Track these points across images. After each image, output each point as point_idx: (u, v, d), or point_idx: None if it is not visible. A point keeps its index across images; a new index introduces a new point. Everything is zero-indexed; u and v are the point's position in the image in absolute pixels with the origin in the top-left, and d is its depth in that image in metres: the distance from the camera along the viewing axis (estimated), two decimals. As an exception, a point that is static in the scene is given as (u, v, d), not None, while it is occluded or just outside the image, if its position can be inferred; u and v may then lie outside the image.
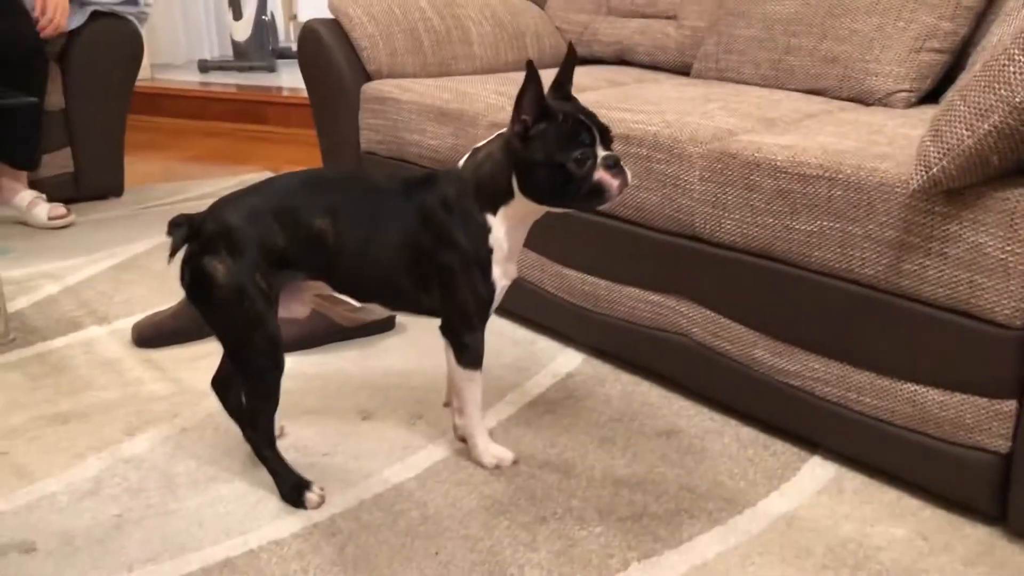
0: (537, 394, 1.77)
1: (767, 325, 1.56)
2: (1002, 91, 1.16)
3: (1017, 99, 1.14)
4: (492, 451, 1.51)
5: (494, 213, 1.38)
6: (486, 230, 1.38)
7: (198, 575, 1.25)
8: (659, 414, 1.69)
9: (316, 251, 1.37)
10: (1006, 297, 1.23)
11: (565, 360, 1.92)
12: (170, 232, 1.32)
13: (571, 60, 1.41)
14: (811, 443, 1.57)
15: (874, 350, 1.42)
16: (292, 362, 1.89)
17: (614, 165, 1.32)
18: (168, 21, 6.07)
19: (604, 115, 1.79)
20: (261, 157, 4.04)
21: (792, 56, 2.09)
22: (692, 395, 1.75)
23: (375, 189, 1.42)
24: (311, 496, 1.40)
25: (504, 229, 1.39)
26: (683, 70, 2.51)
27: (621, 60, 2.72)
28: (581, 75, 2.45)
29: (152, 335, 1.98)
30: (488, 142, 1.42)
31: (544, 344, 2.00)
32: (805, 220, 1.45)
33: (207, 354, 1.93)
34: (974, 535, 1.34)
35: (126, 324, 2.08)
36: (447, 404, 1.63)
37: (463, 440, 1.56)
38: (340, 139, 2.51)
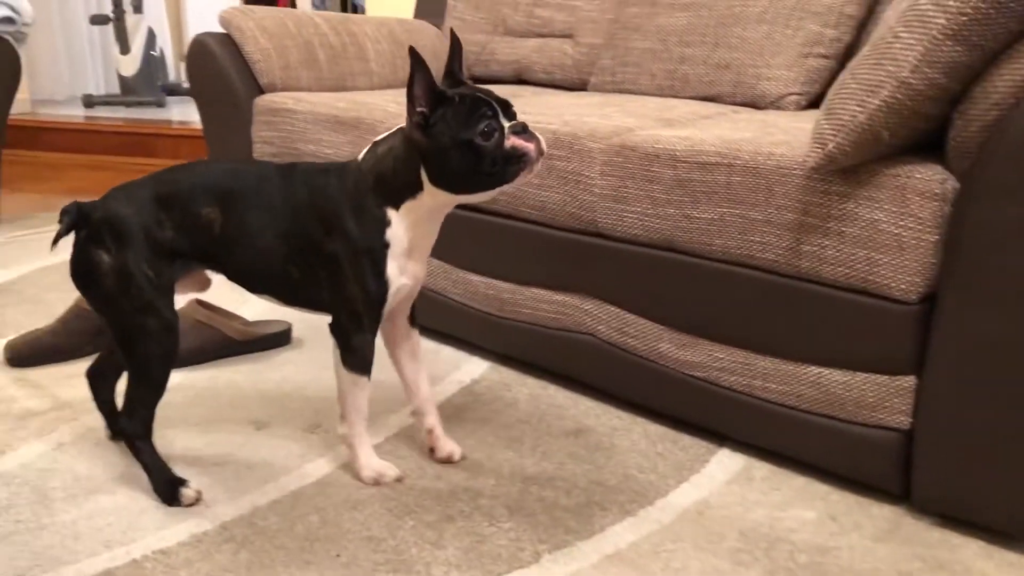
0: (442, 400, 1.71)
1: (671, 318, 1.55)
2: (889, 67, 1.19)
3: (903, 74, 1.17)
4: (373, 465, 1.41)
5: (396, 208, 1.31)
6: (383, 224, 1.31)
7: (74, 589, 1.14)
8: (567, 415, 1.66)
9: (204, 240, 1.32)
10: (901, 272, 1.25)
11: (470, 367, 1.87)
12: (60, 220, 1.29)
13: (456, 47, 1.35)
14: (719, 435, 1.56)
15: (777, 335, 1.42)
16: (181, 376, 1.79)
17: (524, 130, 1.27)
18: (50, 55, 5.84)
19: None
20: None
21: (686, 65, 2.13)
22: (599, 395, 1.72)
23: (266, 178, 1.36)
24: (187, 492, 1.34)
25: (406, 224, 1.32)
26: (581, 87, 2.53)
27: (519, 80, 2.73)
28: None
29: (28, 353, 1.85)
30: (388, 136, 1.35)
31: (448, 352, 1.95)
32: (705, 208, 1.46)
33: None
34: (881, 514, 1.34)
35: (-2, 345, 1.94)
36: (413, 414, 1.52)
37: (431, 452, 1.50)
38: (232, 153, 2.42)
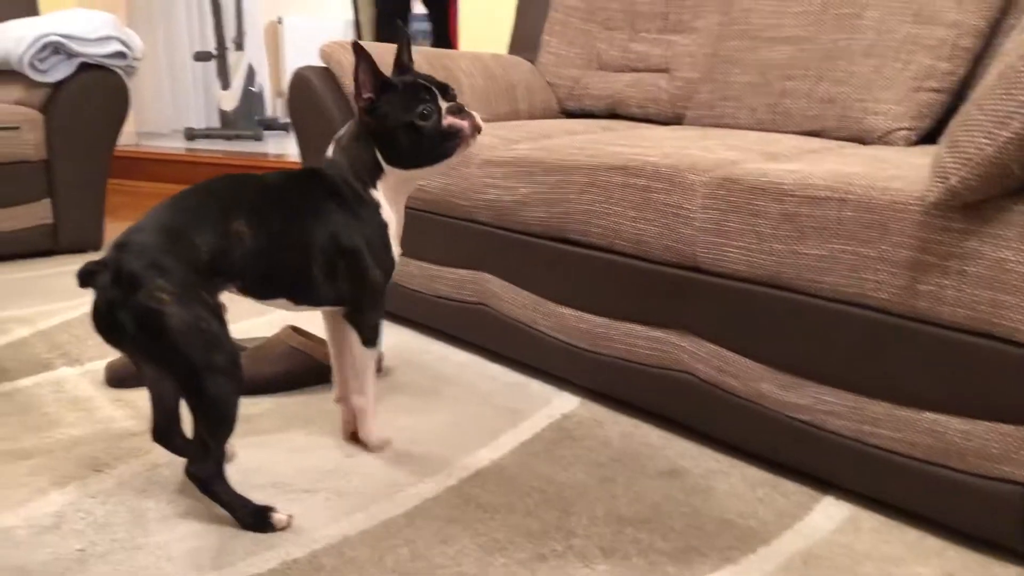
0: (532, 435, 1.68)
1: (774, 357, 1.49)
2: (1021, 97, 1.12)
3: (1037, 104, 1.11)
4: (380, 435, 1.60)
5: (376, 188, 1.48)
6: (378, 206, 1.48)
7: (165, 611, 1.14)
8: (661, 455, 1.61)
9: (235, 255, 1.34)
10: (1031, 314, 1.17)
11: (561, 402, 1.84)
12: (86, 283, 1.24)
13: (404, 37, 1.53)
14: (824, 482, 1.48)
15: (890, 379, 1.35)
16: (273, 402, 1.80)
17: (459, 111, 1.45)
18: (156, 90, 6.09)
19: (600, 150, 1.79)
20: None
21: (789, 99, 2.07)
22: (695, 435, 1.66)
23: (272, 187, 1.44)
24: (279, 517, 1.32)
25: (386, 202, 1.49)
26: (676, 122, 2.50)
27: (613, 114, 2.71)
28: (574, 123, 2.44)
29: (125, 375, 1.88)
30: (346, 128, 1.52)
31: (538, 387, 1.92)
32: (814, 244, 1.40)
33: (183, 393, 1.84)
34: (1005, 574, 1.25)
35: (98, 366, 1.98)
36: (339, 400, 1.65)
37: (354, 437, 1.62)
38: (328, 185, 2.46)
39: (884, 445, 1.37)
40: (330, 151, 1.51)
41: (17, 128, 2.89)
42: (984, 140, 1.15)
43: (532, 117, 2.75)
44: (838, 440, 1.42)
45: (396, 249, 1.52)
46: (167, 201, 1.35)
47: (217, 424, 1.28)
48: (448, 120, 1.43)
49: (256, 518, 1.32)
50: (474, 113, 1.46)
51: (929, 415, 1.30)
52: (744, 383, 1.54)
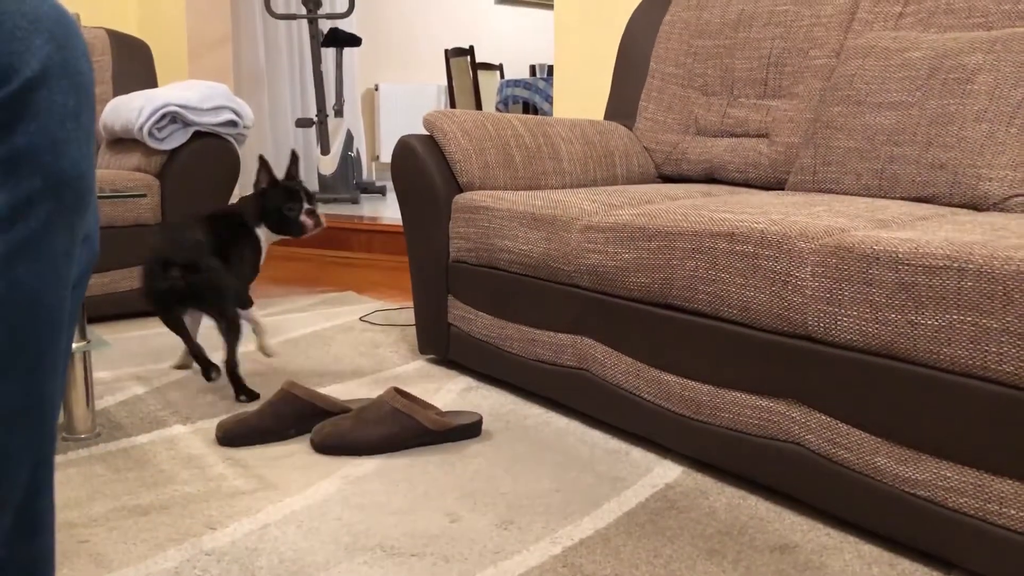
0: (636, 504, 1.66)
1: (891, 430, 1.45)
2: None
3: None
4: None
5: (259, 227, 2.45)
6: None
7: (280, 672, 1.15)
8: (770, 528, 1.57)
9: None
10: None
11: (663, 471, 1.81)
12: (164, 277, 2.21)
13: (294, 159, 2.57)
14: (945, 561, 1.42)
15: (1017, 455, 1.29)
16: (379, 463, 1.83)
17: (313, 213, 2.46)
18: (257, 155, 6.34)
19: (704, 216, 1.79)
20: (341, 280, 4.09)
21: (896, 165, 2.04)
22: (806, 509, 1.62)
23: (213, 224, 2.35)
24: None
25: (263, 236, 2.46)
26: (776, 186, 2.48)
27: (711, 179, 2.71)
28: (673, 188, 2.45)
29: (236, 433, 1.94)
30: (251, 195, 2.48)
31: (639, 454, 1.90)
32: (932, 315, 1.36)
33: (290, 453, 1.89)
34: None
35: (210, 424, 2.05)
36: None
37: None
38: (430, 248, 2.52)
39: (1012, 525, 1.30)
40: (238, 200, 2.54)
41: (144, 196, 3.04)
42: (1117, 210, 1.12)
43: (630, 182, 2.77)
44: (961, 518, 1.36)
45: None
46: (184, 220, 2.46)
47: (234, 333, 2.25)
48: (303, 218, 2.45)
49: (245, 392, 2.26)
50: (322, 217, 2.50)
51: (1061, 495, 1.24)
52: (858, 456, 1.50)
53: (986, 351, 1.30)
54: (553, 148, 2.65)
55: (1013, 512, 1.30)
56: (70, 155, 0.68)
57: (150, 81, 3.86)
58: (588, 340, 2.04)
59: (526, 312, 2.22)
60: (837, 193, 2.17)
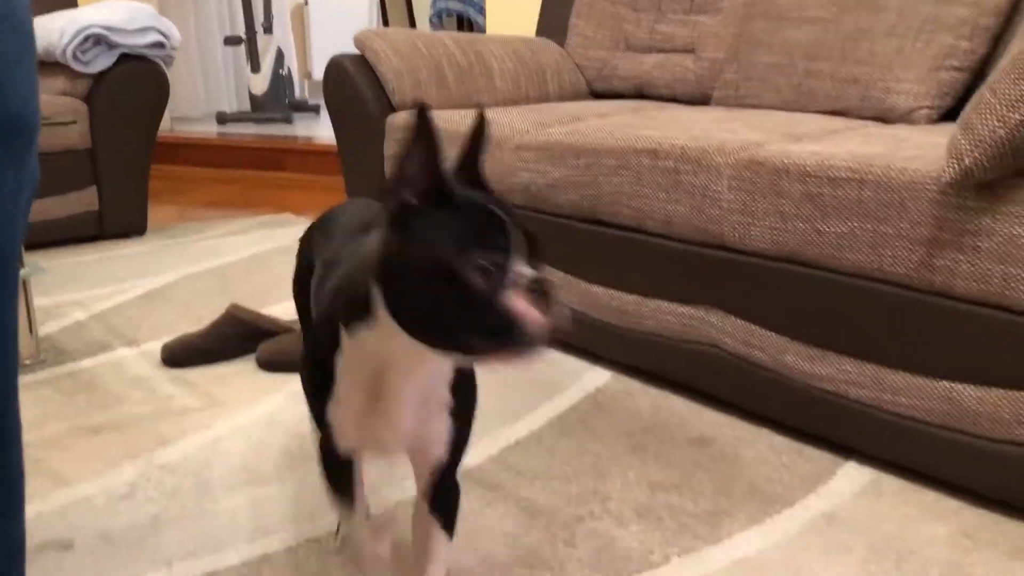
0: (568, 407, 1.77)
1: (798, 330, 1.57)
2: (1031, 82, 1.18)
3: (1046, 89, 1.17)
4: None
5: (347, 328, 0.89)
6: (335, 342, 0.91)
7: (237, 569, 1.24)
8: (690, 424, 1.69)
9: None
10: (1041, 287, 1.24)
11: (594, 376, 1.92)
12: None
13: (479, 132, 0.88)
14: (846, 448, 1.56)
15: (908, 349, 1.42)
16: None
17: (542, 292, 0.77)
18: (188, 76, 6.20)
19: (629, 133, 1.86)
20: (276, 201, 4.09)
21: (813, 80, 2.13)
22: (723, 405, 1.75)
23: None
24: None
25: (357, 361, 0.90)
26: (703, 102, 2.56)
27: (640, 94, 2.77)
28: (603, 105, 2.51)
29: (181, 355, 1.99)
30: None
31: (572, 362, 2.01)
32: (835, 222, 1.47)
33: (236, 372, 1.95)
34: (1017, 531, 1.32)
35: (154, 346, 2.09)
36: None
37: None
38: (365, 169, 2.55)
39: (903, 412, 1.44)
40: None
41: (75, 123, 3.00)
42: (996, 123, 1.22)
43: (562, 99, 2.82)
44: (859, 408, 1.50)
45: (340, 419, 0.95)
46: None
47: None
48: (515, 301, 0.75)
49: None
50: (566, 308, 0.79)
51: (945, 383, 1.38)
52: (770, 355, 1.62)
53: (882, 255, 1.42)
54: (485, 66, 2.68)
55: (904, 400, 1.43)
56: (15, 99, 0.72)
57: (69, 0, 3.75)
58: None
59: (461, 229, 2.28)
60: (758, 108, 2.26)
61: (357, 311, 0.85)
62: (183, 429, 1.68)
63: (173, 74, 4.62)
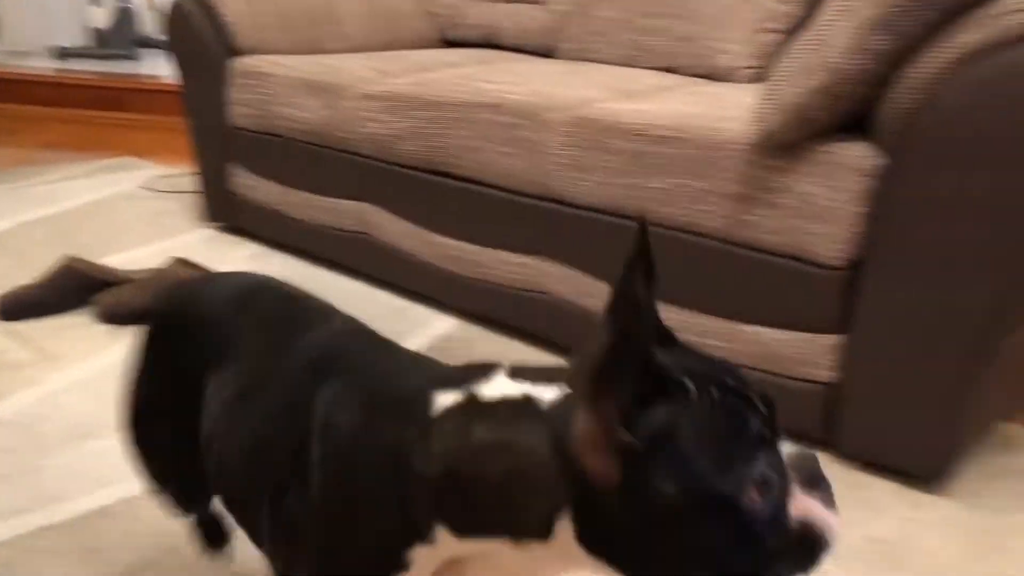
0: (411, 354, 1.83)
1: (626, 279, 1.67)
2: (824, 52, 1.29)
3: (836, 60, 1.28)
4: None
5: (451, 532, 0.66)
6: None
7: (74, 522, 1.25)
8: (528, 368, 1.78)
9: None
10: (830, 240, 1.37)
11: (439, 324, 1.99)
12: None
13: (645, 251, 0.60)
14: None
15: (720, 297, 1.55)
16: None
17: (814, 480, 0.63)
18: (21, 6, 5.80)
19: (471, 87, 1.90)
20: (120, 144, 3.94)
21: (650, 36, 2.22)
22: (557, 350, 1.84)
23: None
24: None
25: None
26: (549, 54, 2.62)
27: (490, 44, 2.81)
28: (452, 55, 2.53)
29: (17, 307, 1.94)
30: (505, 411, 0.64)
31: (418, 311, 2.06)
32: (657, 179, 1.57)
33: (71, 325, 1.91)
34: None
35: (-14, 299, 2.02)
36: None
37: None
38: (209, 115, 2.50)
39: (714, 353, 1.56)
40: (442, 407, 0.67)
41: None
42: (794, 89, 1.33)
43: (414, 47, 2.82)
44: (679, 351, 1.62)
45: None
46: None
47: None
48: (802, 504, 0.61)
49: None
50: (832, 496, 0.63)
51: (752, 328, 1.51)
52: (597, 302, 1.72)
53: (698, 210, 1.52)
54: (334, 11, 2.65)
55: (717, 343, 1.56)
56: None
57: None
58: (369, 206, 2.15)
59: (310, 179, 2.29)
60: (600, 62, 2.34)
61: (514, 525, 0.62)
62: (16, 384, 1.64)
63: (4, 5, 4.32)
